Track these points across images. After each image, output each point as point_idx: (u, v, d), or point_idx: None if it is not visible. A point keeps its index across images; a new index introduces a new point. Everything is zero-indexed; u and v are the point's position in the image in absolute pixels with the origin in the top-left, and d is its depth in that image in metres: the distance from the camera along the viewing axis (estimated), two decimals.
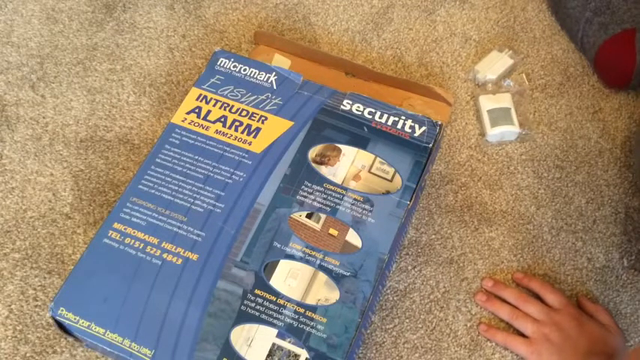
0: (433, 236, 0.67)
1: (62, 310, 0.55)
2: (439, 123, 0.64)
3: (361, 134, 0.63)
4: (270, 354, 0.53)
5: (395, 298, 0.64)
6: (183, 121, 0.65)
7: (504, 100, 0.73)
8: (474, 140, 0.73)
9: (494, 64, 0.76)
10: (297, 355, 0.53)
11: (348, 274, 0.56)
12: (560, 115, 0.74)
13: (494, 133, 0.71)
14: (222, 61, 0.69)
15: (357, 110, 0.65)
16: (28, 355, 0.60)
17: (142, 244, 0.58)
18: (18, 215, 0.68)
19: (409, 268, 0.65)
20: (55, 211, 0.68)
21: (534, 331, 0.60)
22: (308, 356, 0.53)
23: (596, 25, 0.73)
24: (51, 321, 0.56)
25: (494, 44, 0.79)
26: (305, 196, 0.60)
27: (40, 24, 0.81)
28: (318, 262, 0.57)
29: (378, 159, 0.62)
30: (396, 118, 0.64)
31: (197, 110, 0.65)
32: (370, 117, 0.64)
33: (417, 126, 0.64)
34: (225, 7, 0.83)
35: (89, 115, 0.74)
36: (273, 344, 0.54)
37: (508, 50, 0.77)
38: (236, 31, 0.81)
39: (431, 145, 0.63)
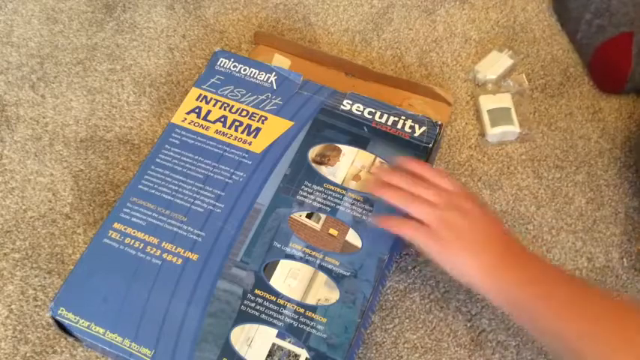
0: None
1: (62, 310, 0.55)
2: (439, 123, 0.64)
3: (361, 134, 0.63)
4: (270, 354, 0.53)
5: (395, 298, 0.64)
6: (183, 121, 0.65)
7: (504, 100, 0.73)
8: (474, 140, 0.73)
9: (494, 64, 0.76)
10: (297, 355, 0.53)
11: (348, 274, 0.56)
12: (560, 115, 0.74)
13: (494, 133, 0.71)
14: (222, 61, 0.69)
15: (357, 110, 0.65)
16: (28, 355, 0.60)
17: (141, 244, 0.58)
18: (18, 215, 0.68)
19: (409, 268, 0.65)
20: (55, 211, 0.68)
21: (431, 213, 0.54)
22: (308, 356, 0.53)
23: (595, 27, 0.73)
24: (51, 321, 0.56)
25: (494, 44, 0.79)
26: (305, 196, 0.60)
27: (40, 24, 0.81)
28: (318, 262, 0.57)
29: (378, 159, 0.62)
30: (396, 118, 0.64)
31: (197, 110, 0.66)
32: (370, 117, 0.64)
33: (417, 126, 0.64)
34: (225, 7, 0.83)
35: (89, 115, 0.74)
36: (273, 344, 0.54)
37: (508, 50, 0.77)
38: (236, 31, 0.81)
39: (431, 145, 0.63)
